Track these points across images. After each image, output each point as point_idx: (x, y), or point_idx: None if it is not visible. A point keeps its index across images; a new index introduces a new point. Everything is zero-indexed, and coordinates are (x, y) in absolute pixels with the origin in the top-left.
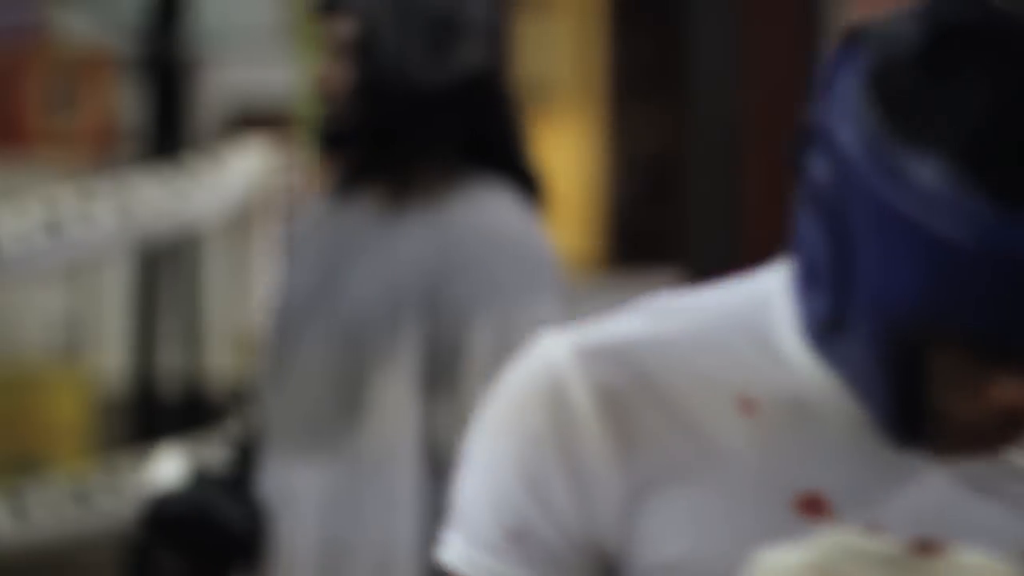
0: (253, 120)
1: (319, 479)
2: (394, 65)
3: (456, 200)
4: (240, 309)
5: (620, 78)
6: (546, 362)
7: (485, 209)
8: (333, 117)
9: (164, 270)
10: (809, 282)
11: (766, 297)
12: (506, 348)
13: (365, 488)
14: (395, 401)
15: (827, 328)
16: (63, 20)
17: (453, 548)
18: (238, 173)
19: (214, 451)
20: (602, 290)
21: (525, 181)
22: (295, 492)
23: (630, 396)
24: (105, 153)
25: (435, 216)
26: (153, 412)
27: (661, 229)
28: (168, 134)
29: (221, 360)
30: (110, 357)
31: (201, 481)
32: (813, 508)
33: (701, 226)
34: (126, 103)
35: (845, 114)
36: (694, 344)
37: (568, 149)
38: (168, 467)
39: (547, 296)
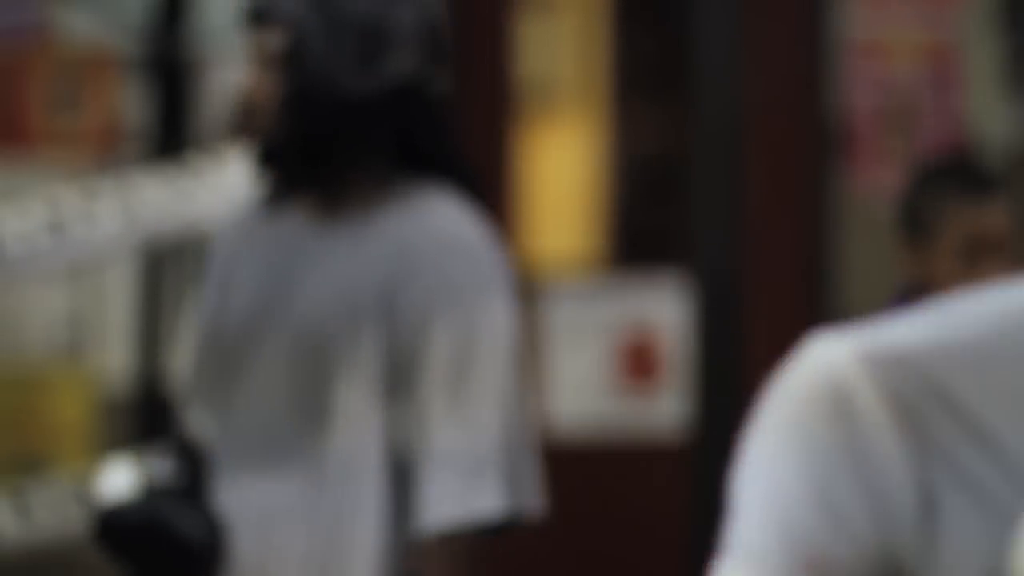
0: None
1: (283, 492)
2: (322, 76)
3: (401, 208)
4: None
5: (623, 77)
6: (827, 370)
7: (432, 215)
8: (263, 129)
9: (168, 270)
10: None
11: None
12: (465, 352)
13: (330, 499)
14: (357, 410)
15: None
16: (67, 20)
17: None
18: (242, 173)
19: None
20: (605, 290)
21: (465, 185)
22: (258, 506)
23: (921, 405)
24: (109, 153)
25: (384, 224)
26: (157, 412)
27: (664, 229)
28: (172, 134)
29: None
30: (114, 357)
31: (153, 492)
32: None
33: (704, 226)
34: (130, 103)
35: None
36: (990, 349)
37: (571, 148)
38: (118, 478)
39: (503, 297)
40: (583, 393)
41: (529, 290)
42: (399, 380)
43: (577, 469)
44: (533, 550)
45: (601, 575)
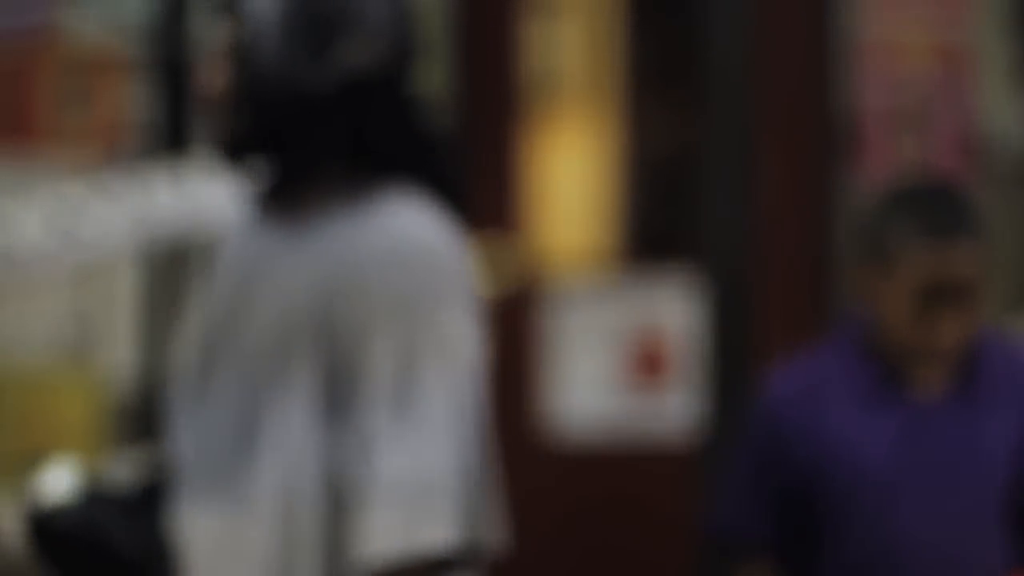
0: None
1: (222, 519)
2: (270, 68)
3: (349, 214)
4: None
5: (633, 74)
6: None
7: (386, 222)
8: (223, 124)
9: (173, 270)
10: None
11: None
12: (408, 369)
13: (264, 530)
14: (291, 435)
15: None
16: (74, 19)
17: None
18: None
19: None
20: (616, 289)
21: (439, 187)
22: (203, 532)
23: None
24: (117, 151)
25: (328, 232)
26: (162, 413)
27: (675, 227)
28: (178, 132)
29: None
30: (119, 358)
31: (95, 499)
32: None
33: (715, 224)
34: (137, 101)
35: None
36: None
37: (580, 146)
38: (59, 480)
39: (456, 309)
40: (595, 392)
41: (533, 292)
42: (341, 403)
43: (588, 466)
44: (545, 550)
45: (614, 574)
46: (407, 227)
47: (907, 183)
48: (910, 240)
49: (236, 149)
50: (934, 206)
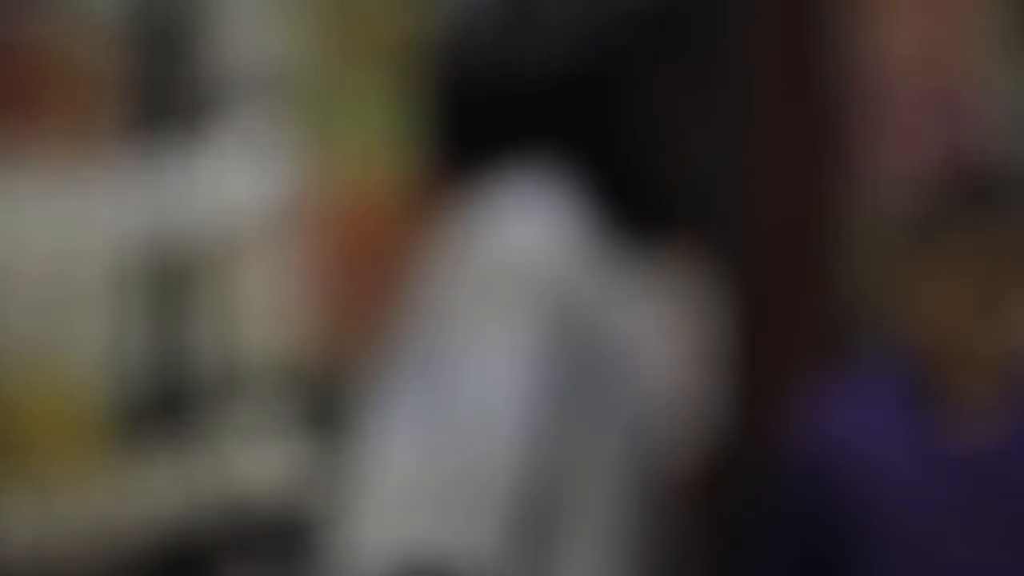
0: (264, 90)
1: None
2: (479, 61)
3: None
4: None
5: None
6: None
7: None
8: (434, 122)
9: (171, 265)
10: None
11: None
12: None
13: None
14: None
15: None
16: (66, 7)
17: None
18: (255, 163)
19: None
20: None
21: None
22: None
23: None
24: (108, 127)
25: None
26: (142, 415)
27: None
28: (182, 112)
29: (259, 341)
30: (108, 354)
31: None
32: None
33: (713, 200)
34: (141, 81)
35: None
36: None
37: None
38: None
39: (482, 330)
40: None
41: None
42: None
43: None
44: None
45: None
46: (502, 236)
47: (956, 172)
48: (956, 224)
49: (447, 148)
50: (985, 194)
